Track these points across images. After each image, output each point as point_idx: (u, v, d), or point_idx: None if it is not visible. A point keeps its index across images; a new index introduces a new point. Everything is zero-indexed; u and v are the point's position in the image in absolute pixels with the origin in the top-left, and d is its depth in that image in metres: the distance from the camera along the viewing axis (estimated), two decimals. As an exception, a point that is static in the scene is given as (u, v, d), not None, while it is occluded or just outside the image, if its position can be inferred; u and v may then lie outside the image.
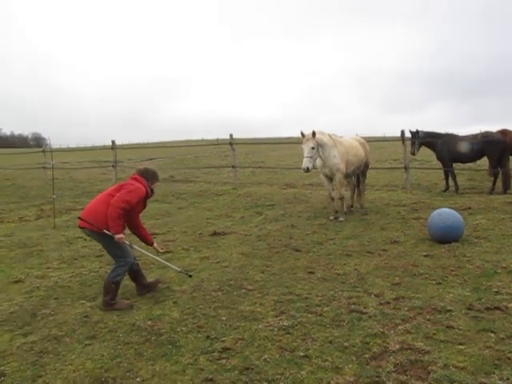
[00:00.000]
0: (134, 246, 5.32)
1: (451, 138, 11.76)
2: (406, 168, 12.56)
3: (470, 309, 4.41)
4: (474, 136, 11.75)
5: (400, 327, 4.09)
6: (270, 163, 21.98)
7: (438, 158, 12.09)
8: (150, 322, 4.46)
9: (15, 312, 4.91)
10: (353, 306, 4.59)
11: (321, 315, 4.44)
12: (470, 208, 9.27)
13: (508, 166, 11.16)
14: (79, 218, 5.00)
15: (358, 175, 10.00)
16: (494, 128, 12.86)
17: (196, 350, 3.89)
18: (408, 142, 12.62)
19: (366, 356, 3.63)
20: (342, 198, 9.19)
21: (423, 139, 11.80)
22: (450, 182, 11.72)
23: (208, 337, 4.11)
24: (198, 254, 6.91)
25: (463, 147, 11.40)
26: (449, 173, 11.74)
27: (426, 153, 12.60)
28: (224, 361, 3.68)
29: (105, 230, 4.83)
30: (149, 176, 5.27)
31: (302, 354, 3.72)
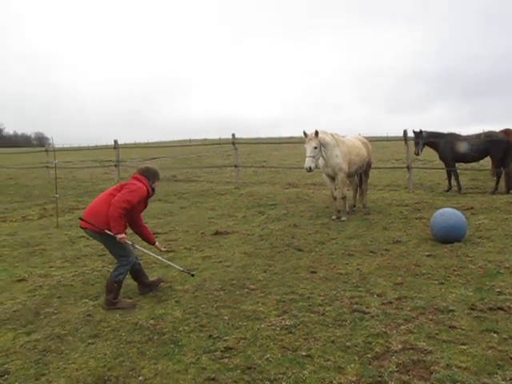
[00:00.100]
0: (136, 246, 5.33)
1: (454, 138, 11.74)
2: (408, 168, 12.55)
3: (472, 309, 4.41)
4: (477, 136, 11.73)
5: (402, 327, 4.09)
6: (273, 163, 21.98)
7: (441, 158, 12.07)
8: (152, 321, 4.47)
9: (18, 311, 4.93)
10: (355, 306, 4.59)
11: (323, 315, 4.44)
12: (472, 208, 9.26)
13: (511, 166, 11.13)
14: (80, 218, 5.01)
15: (360, 175, 10.00)
16: (496, 128, 12.85)
17: (198, 349, 3.90)
18: (410, 142, 12.62)
19: (369, 356, 3.63)
20: (344, 198, 9.18)
21: (426, 139, 11.79)
22: (453, 182, 11.71)
23: (210, 336, 4.11)
24: (201, 254, 6.91)
25: (466, 147, 11.38)
26: (451, 173, 11.72)
27: (428, 153, 12.59)
28: (226, 360, 3.69)
29: (106, 230, 4.83)
30: (150, 175, 5.27)
31: (304, 353, 3.72)
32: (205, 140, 63.90)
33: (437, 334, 3.94)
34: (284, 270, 5.92)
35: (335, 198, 9.23)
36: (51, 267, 6.55)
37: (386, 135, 52.48)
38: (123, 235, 4.84)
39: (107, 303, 4.90)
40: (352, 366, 3.50)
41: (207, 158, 26.47)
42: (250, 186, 14.78)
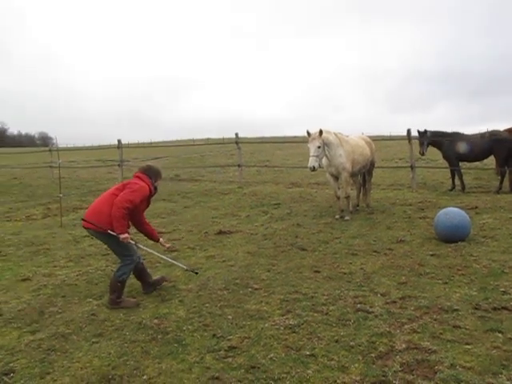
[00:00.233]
0: (140, 245, 5.34)
1: (458, 137, 11.70)
2: (412, 167, 12.52)
3: (476, 308, 4.40)
4: (482, 135, 11.69)
5: (406, 326, 4.08)
6: (276, 162, 21.97)
7: (445, 157, 12.04)
8: (156, 321, 4.48)
9: (23, 310, 4.95)
10: (359, 305, 4.58)
11: (327, 314, 4.44)
12: (476, 207, 9.23)
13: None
14: (83, 219, 5.01)
15: (363, 174, 9.99)
16: (500, 126, 12.83)
17: (202, 348, 3.90)
18: (414, 141, 12.59)
19: (372, 355, 3.62)
20: (347, 197, 9.18)
21: (430, 139, 11.75)
22: (457, 181, 11.68)
23: (214, 335, 4.12)
24: (204, 253, 6.92)
25: (470, 146, 11.35)
26: (455, 172, 11.69)
27: (432, 152, 12.56)
28: (230, 359, 3.69)
29: (109, 231, 4.83)
30: (152, 174, 5.26)
31: (308, 352, 3.72)
32: (208, 139, 63.95)
33: (441, 333, 3.93)
34: (287, 269, 5.92)
35: (339, 198, 9.23)
36: (55, 266, 6.57)
37: (389, 134, 52.40)
38: (126, 235, 4.84)
39: (111, 302, 4.91)
40: (356, 365, 3.50)
41: (210, 158, 26.49)
42: (254, 185, 14.79)
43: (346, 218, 8.86)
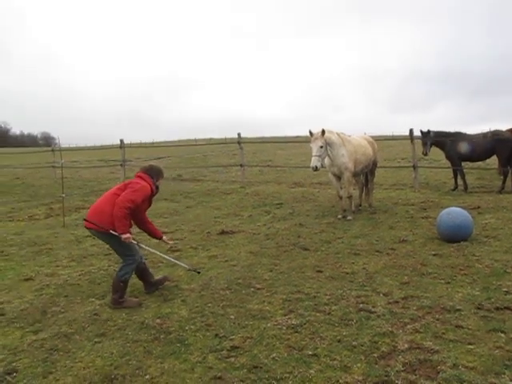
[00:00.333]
0: (142, 245, 5.34)
1: (460, 137, 11.69)
2: (414, 167, 12.50)
3: (479, 308, 4.39)
4: (484, 135, 11.68)
5: (409, 326, 4.08)
6: (278, 162, 21.97)
7: (447, 157, 12.03)
8: (158, 320, 4.48)
9: (26, 309, 4.96)
10: (361, 305, 4.58)
11: (329, 314, 4.43)
12: (479, 207, 9.22)
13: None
14: (85, 219, 5.02)
15: (366, 174, 9.98)
16: (502, 126, 12.81)
17: (205, 348, 3.90)
18: (416, 141, 12.58)
19: (375, 355, 3.62)
20: (350, 197, 9.17)
21: (432, 139, 11.74)
22: (459, 181, 11.66)
23: (216, 335, 4.12)
24: (207, 253, 6.92)
25: (472, 146, 11.34)
26: (458, 172, 11.67)
27: (434, 152, 12.54)
28: (233, 359, 3.69)
29: (111, 230, 4.84)
30: (153, 173, 5.26)
31: (310, 352, 3.72)
32: (210, 139, 63.99)
33: (443, 333, 3.92)
34: (290, 269, 5.92)
35: (341, 198, 9.22)
36: (58, 266, 6.58)
37: (391, 134, 52.30)
38: (128, 235, 4.83)
39: (113, 302, 4.92)
40: (358, 365, 3.50)
41: (213, 158, 26.50)
42: (256, 185, 14.79)
43: (349, 217, 8.86)
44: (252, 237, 7.82)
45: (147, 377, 3.50)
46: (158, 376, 3.50)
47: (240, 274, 5.81)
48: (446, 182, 12.98)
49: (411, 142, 12.88)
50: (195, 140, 64.80)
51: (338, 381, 3.29)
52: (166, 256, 5.74)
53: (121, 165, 17.61)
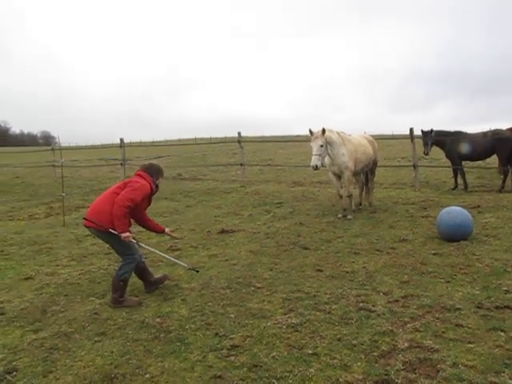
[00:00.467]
0: (141, 244, 5.34)
1: (461, 137, 11.69)
2: (414, 166, 12.50)
3: (479, 307, 4.39)
4: (484, 134, 11.68)
5: (409, 325, 4.08)
6: (278, 161, 21.98)
7: (448, 157, 12.03)
8: (158, 320, 4.48)
9: (26, 308, 4.96)
10: (361, 304, 4.58)
11: (329, 313, 4.44)
12: (479, 206, 9.22)
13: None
14: (84, 218, 5.02)
15: (366, 173, 9.98)
16: (499, 126, 12.82)
17: (205, 347, 3.91)
18: (416, 140, 12.57)
19: (375, 354, 3.62)
20: (350, 196, 9.17)
21: (433, 138, 11.74)
22: (459, 180, 11.66)
23: (216, 334, 4.12)
24: (207, 252, 6.92)
25: (473, 145, 11.34)
26: (458, 171, 11.67)
27: (434, 151, 12.54)
28: (233, 358, 3.69)
29: (110, 229, 4.83)
30: (153, 172, 5.25)
31: (310, 351, 3.72)
32: (210, 139, 63.97)
33: (443, 332, 3.92)
34: (290, 268, 5.92)
35: (341, 197, 9.22)
36: (58, 265, 6.58)
37: (391, 133, 52.31)
38: (128, 234, 4.83)
39: (113, 301, 4.92)
40: (358, 364, 3.50)
41: (212, 157, 26.50)
42: (256, 184, 14.79)
43: (349, 216, 8.86)
44: (252, 236, 7.82)
45: (147, 376, 3.50)
46: (158, 375, 3.50)
47: (240, 273, 5.81)
48: (446, 181, 12.98)
49: (411, 141, 12.88)
50: (195, 139, 64.79)
51: (338, 380, 3.29)
52: (165, 255, 5.74)
53: (121, 164, 17.61)
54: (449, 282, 5.15)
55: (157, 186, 5.27)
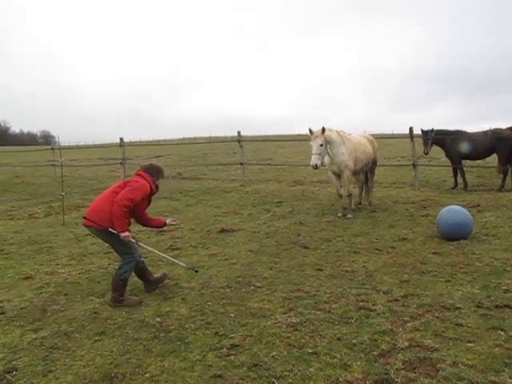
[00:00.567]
0: (141, 244, 5.33)
1: (461, 136, 11.69)
2: (414, 165, 12.50)
3: (479, 306, 4.39)
4: (484, 133, 11.68)
5: (408, 324, 4.08)
6: (278, 160, 21.98)
7: (447, 156, 12.02)
8: (158, 319, 4.48)
9: (26, 308, 4.95)
10: (361, 303, 4.58)
11: (329, 312, 4.44)
12: (478, 205, 9.23)
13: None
14: (84, 217, 5.02)
15: (366, 172, 9.98)
16: (500, 125, 12.81)
17: (204, 346, 3.90)
18: (416, 139, 12.57)
19: (375, 353, 3.62)
20: (350, 195, 9.17)
21: (433, 137, 11.73)
22: (459, 179, 11.67)
23: (216, 333, 4.12)
24: (206, 251, 6.92)
25: (473, 144, 11.34)
26: (458, 170, 11.68)
27: (434, 150, 12.55)
28: (232, 357, 3.69)
29: (110, 229, 4.83)
30: (153, 172, 5.24)
31: (310, 350, 3.72)
32: (210, 138, 63.96)
33: (443, 331, 3.92)
34: (290, 267, 5.92)
35: (341, 196, 9.22)
36: (58, 265, 6.58)
37: (391, 132, 52.29)
38: (127, 233, 4.83)
39: (113, 301, 4.91)
40: (358, 363, 3.50)
41: (213, 156, 26.50)
42: (256, 183, 14.79)
43: (349, 216, 8.86)
44: (252, 235, 7.82)
45: (147, 375, 3.50)
46: (157, 374, 3.50)
47: (240, 272, 5.81)
48: (446, 180, 12.98)
49: (411, 140, 12.88)
50: (195, 138, 64.76)
51: (337, 379, 3.29)
52: (164, 255, 5.74)
53: (121, 163, 17.60)
54: (449, 281, 5.15)
55: (157, 186, 5.26)
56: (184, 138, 70.06)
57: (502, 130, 11.80)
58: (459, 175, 11.64)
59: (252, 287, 5.25)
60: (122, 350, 3.92)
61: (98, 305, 4.97)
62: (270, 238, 7.50)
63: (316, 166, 8.25)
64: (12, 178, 20.91)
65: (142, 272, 5.29)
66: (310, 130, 8.57)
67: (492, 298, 4.57)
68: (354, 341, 3.83)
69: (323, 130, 8.40)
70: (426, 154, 11.88)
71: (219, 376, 3.42)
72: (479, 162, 13.77)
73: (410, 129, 12.76)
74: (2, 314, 4.81)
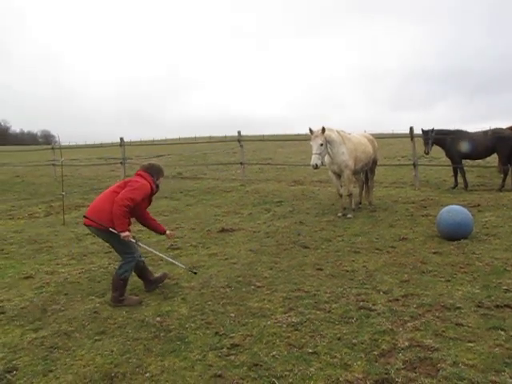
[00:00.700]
0: (141, 244, 5.33)
1: (461, 135, 11.69)
2: (414, 165, 12.50)
3: (479, 306, 4.39)
4: (484, 132, 11.68)
5: (409, 324, 4.08)
6: (278, 160, 21.98)
7: (448, 155, 12.02)
8: (158, 318, 4.48)
9: (26, 307, 4.95)
10: (361, 303, 4.58)
11: (329, 312, 4.43)
12: (479, 205, 9.22)
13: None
14: (84, 216, 5.01)
15: (366, 172, 9.98)
16: (500, 125, 12.81)
17: (205, 346, 3.90)
18: (416, 139, 12.57)
19: (375, 353, 3.62)
20: (350, 195, 9.17)
21: (433, 137, 11.73)
22: (459, 179, 11.66)
23: (217, 333, 4.12)
24: (207, 251, 6.92)
25: (473, 144, 11.33)
26: (458, 169, 11.67)
27: (434, 150, 12.55)
28: (233, 357, 3.69)
29: (110, 228, 4.83)
30: (154, 172, 5.24)
31: (310, 350, 3.72)
32: (210, 138, 63.96)
33: (443, 331, 3.92)
34: (290, 267, 5.92)
35: (341, 196, 9.22)
36: (58, 264, 6.58)
37: (391, 132, 52.29)
38: (127, 233, 4.82)
39: (113, 300, 4.91)
40: (358, 363, 3.50)
41: (213, 155, 26.50)
42: (256, 183, 14.79)
43: (349, 215, 8.86)
44: (252, 235, 7.82)
45: (147, 375, 3.50)
46: (158, 374, 3.50)
47: (240, 271, 5.81)
48: (446, 180, 12.98)
49: (411, 139, 12.88)
50: (195, 138, 64.75)
51: (338, 379, 3.29)
52: (163, 255, 5.73)
53: (121, 163, 17.60)
54: (449, 280, 5.15)
55: (157, 186, 5.26)
56: (180, 138, 70.04)
57: (502, 129, 11.80)
58: (459, 175, 11.64)
59: (252, 287, 5.24)
60: (122, 349, 3.92)
61: (98, 304, 4.97)
62: (270, 238, 7.50)
63: (316, 165, 8.25)
64: (12, 177, 20.91)
65: (142, 271, 5.29)
66: (310, 130, 8.57)
67: (492, 297, 4.57)
68: (354, 340, 3.83)
69: (323, 129, 8.39)
70: (427, 153, 11.88)
71: (219, 376, 3.42)
72: (479, 161, 13.76)
73: (411, 128, 12.76)
74: (3, 313, 4.81)
